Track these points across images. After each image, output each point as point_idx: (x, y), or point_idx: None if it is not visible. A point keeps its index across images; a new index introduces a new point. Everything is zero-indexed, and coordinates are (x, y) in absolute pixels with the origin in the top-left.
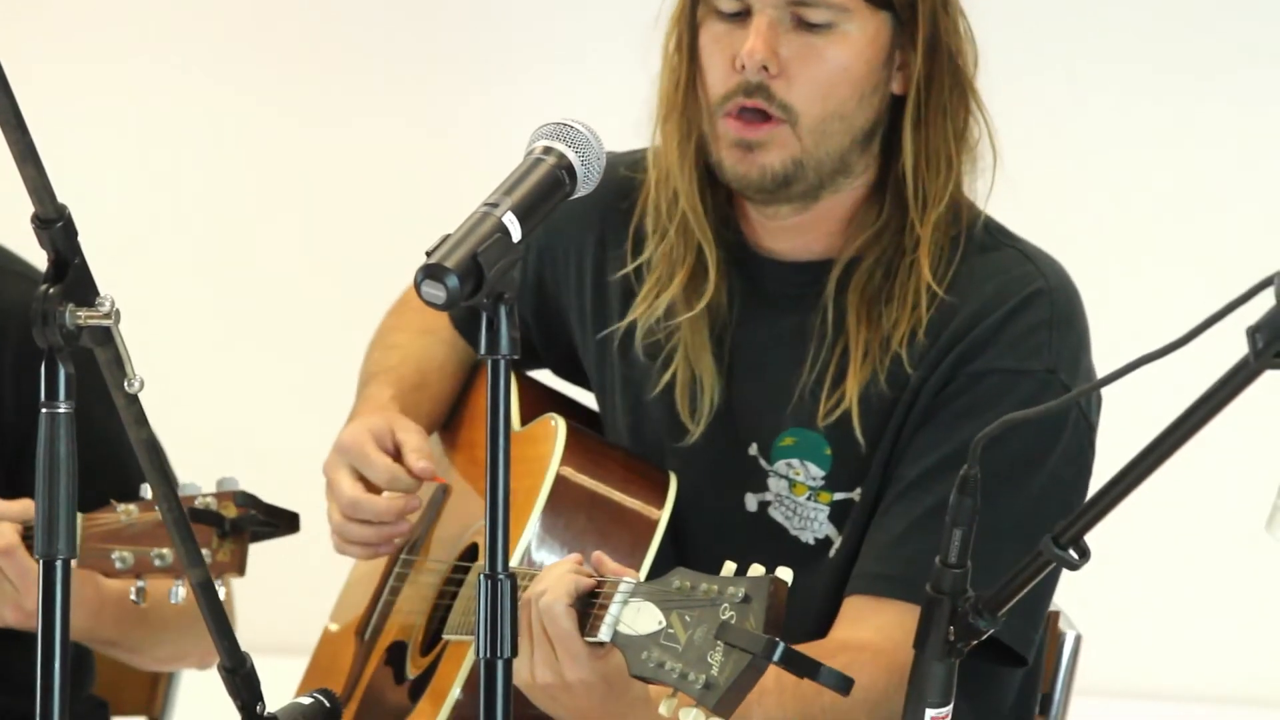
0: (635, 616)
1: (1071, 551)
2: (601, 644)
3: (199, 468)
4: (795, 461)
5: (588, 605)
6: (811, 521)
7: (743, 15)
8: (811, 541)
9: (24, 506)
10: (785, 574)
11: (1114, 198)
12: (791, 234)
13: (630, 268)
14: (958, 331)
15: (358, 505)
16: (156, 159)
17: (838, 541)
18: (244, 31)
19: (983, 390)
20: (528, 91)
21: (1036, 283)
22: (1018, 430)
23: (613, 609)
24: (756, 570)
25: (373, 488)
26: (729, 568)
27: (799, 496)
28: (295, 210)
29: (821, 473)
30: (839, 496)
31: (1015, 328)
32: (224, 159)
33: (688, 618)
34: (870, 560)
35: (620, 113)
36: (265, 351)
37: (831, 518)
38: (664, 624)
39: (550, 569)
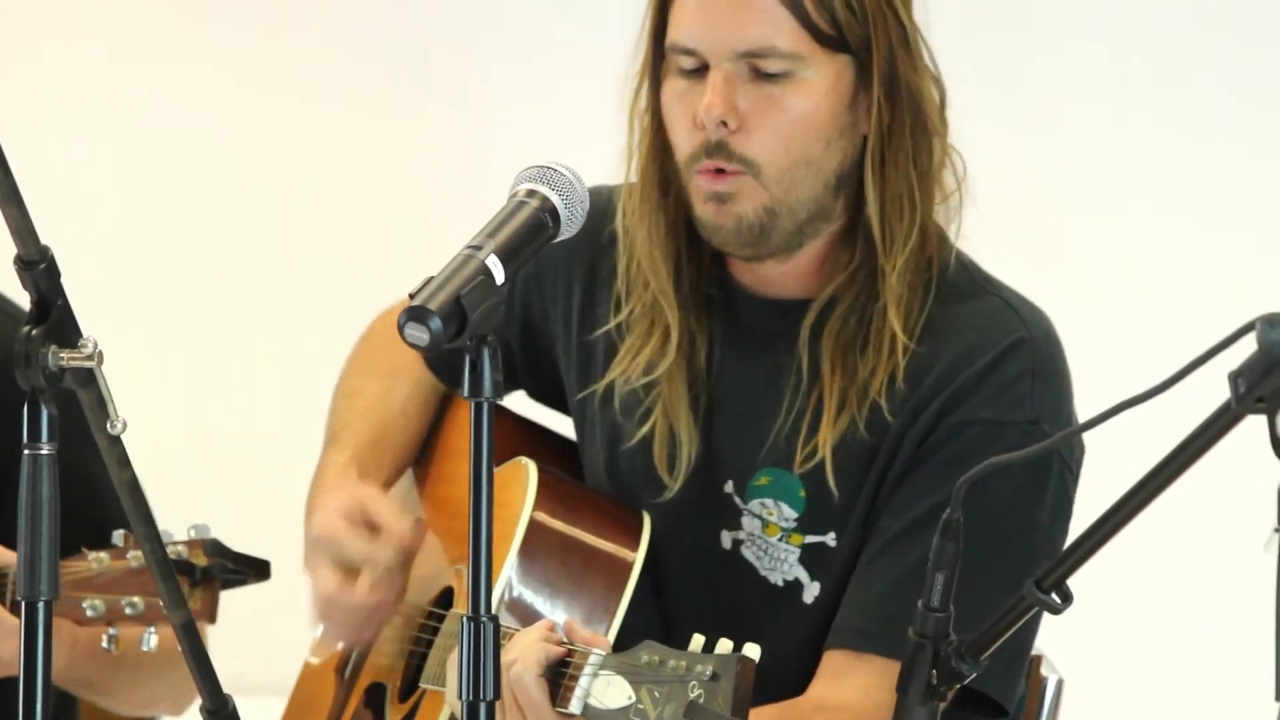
0: (605, 690)
1: (1054, 595)
2: (572, 716)
3: (178, 509)
4: (769, 501)
5: (558, 675)
6: (781, 563)
7: (701, 71)
8: (780, 583)
9: (3, 559)
10: (753, 651)
11: (1097, 236)
12: (772, 273)
13: (611, 325)
14: (940, 381)
15: (333, 602)
16: (138, 193)
17: (808, 585)
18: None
19: (965, 441)
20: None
21: (1018, 332)
22: (1000, 476)
23: (583, 681)
24: (724, 646)
25: (353, 575)
26: (697, 641)
27: (771, 537)
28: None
29: (794, 514)
30: (810, 539)
31: (998, 378)
32: (201, 197)
33: (657, 694)
34: (853, 614)
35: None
36: (247, 388)
37: (802, 560)
38: (634, 699)
39: (520, 636)
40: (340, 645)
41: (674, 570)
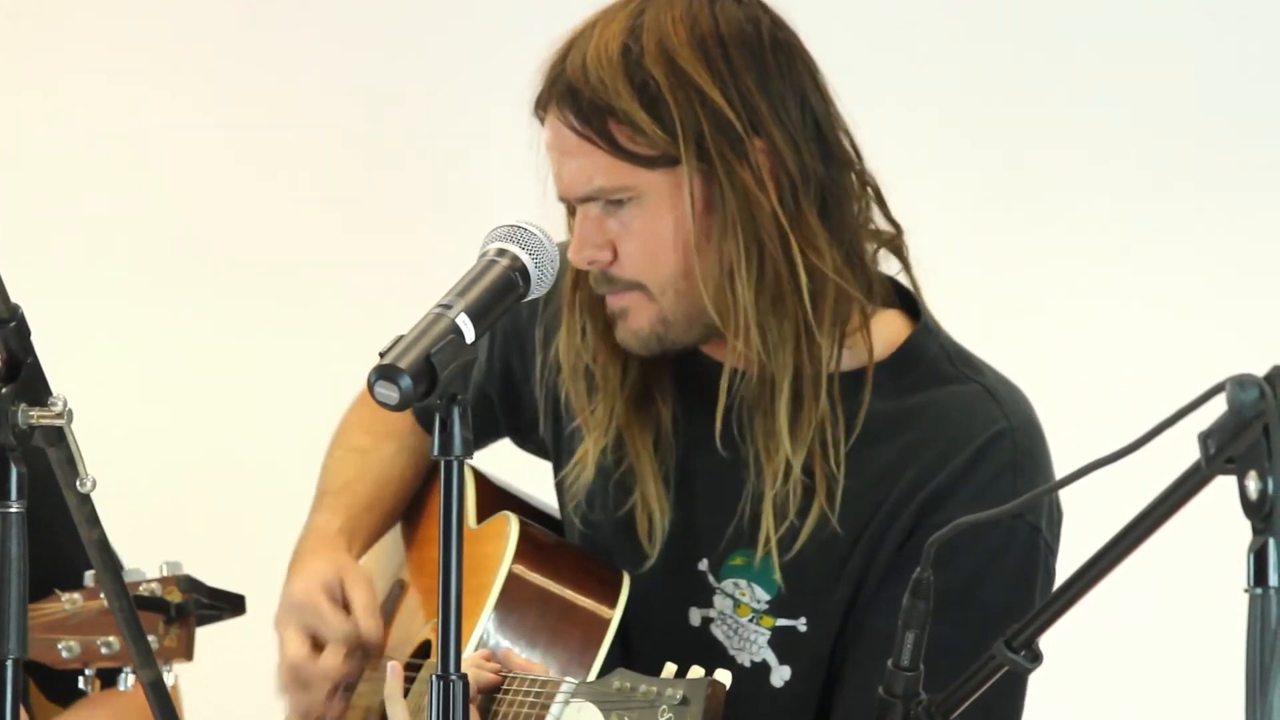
0: (576, 717)
1: (1024, 655)
2: None
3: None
4: (743, 582)
5: (490, 700)
6: (750, 644)
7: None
8: (748, 664)
9: None
10: (724, 676)
11: (1067, 288)
12: (722, 345)
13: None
14: (920, 477)
15: (300, 668)
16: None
17: (777, 668)
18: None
19: (949, 540)
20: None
21: (998, 423)
22: (967, 539)
23: (554, 709)
24: (696, 672)
25: (320, 645)
26: (669, 669)
27: (741, 617)
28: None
29: (767, 597)
30: (781, 622)
31: (979, 476)
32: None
33: (627, 718)
34: (847, 719)
35: None
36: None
37: (771, 643)
38: None
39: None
40: (300, 716)
41: (642, 642)
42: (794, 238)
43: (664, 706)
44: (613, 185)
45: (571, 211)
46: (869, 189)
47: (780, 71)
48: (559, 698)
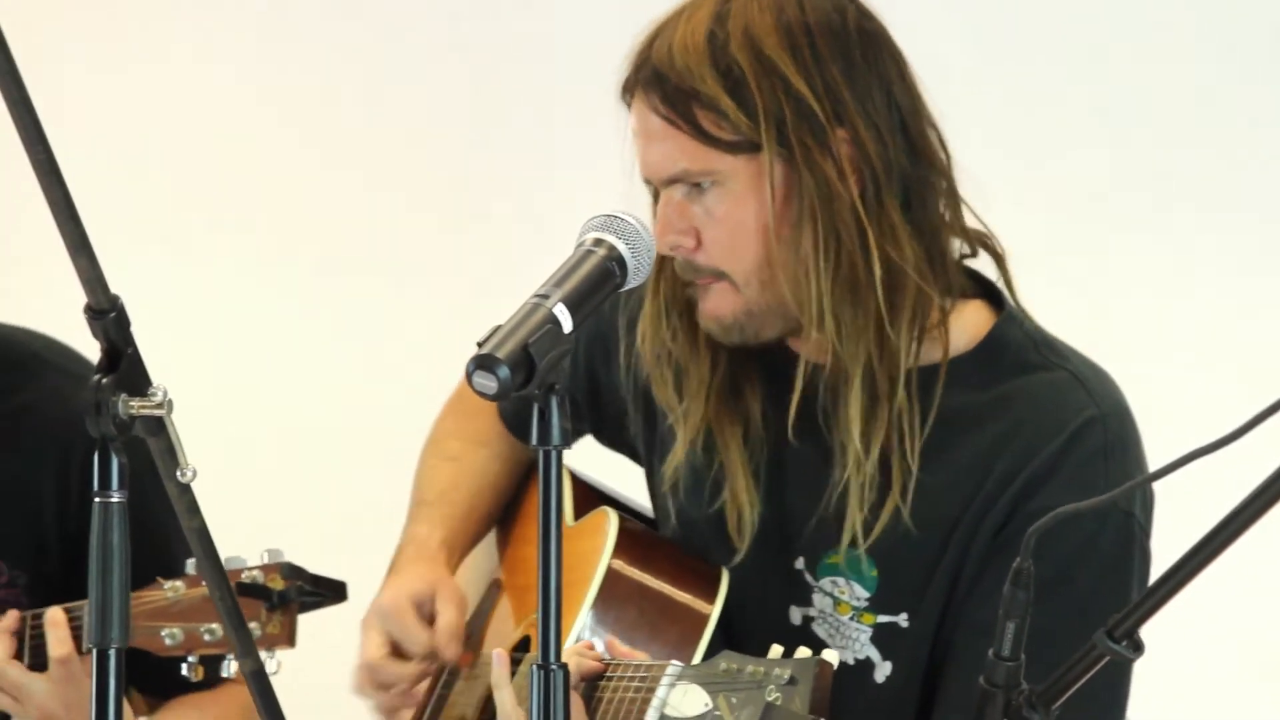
0: (682, 699)
1: (1125, 645)
2: None
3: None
4: (840, 580)
5: (593, 688)
6: (853, 642)
7: None
8: (851, 661)
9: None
10: (832, 656)
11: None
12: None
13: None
14: (1013, 466)
15: (376, 670)
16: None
17: (880, 665)
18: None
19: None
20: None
21: (1088, 410)
22: (1062, 527)
23: (660, 692)
24: (803, 653)
25: (401, 652)
26: (776, 650)
27: (842, 615)
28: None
29: (866, 594)
30: (883, 619)
31: (1071, 462)
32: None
33: (734, 699)
34: (951, 709)
35: None
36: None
37: (874, 640)
38: (710, 706)
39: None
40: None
41: (745, 641)
42: (872, 231)
43: (771, 686)
44: (696, 169)
45: (656, 197)
46: (954, 185)
47: (866, 62)
48: (664, 681)
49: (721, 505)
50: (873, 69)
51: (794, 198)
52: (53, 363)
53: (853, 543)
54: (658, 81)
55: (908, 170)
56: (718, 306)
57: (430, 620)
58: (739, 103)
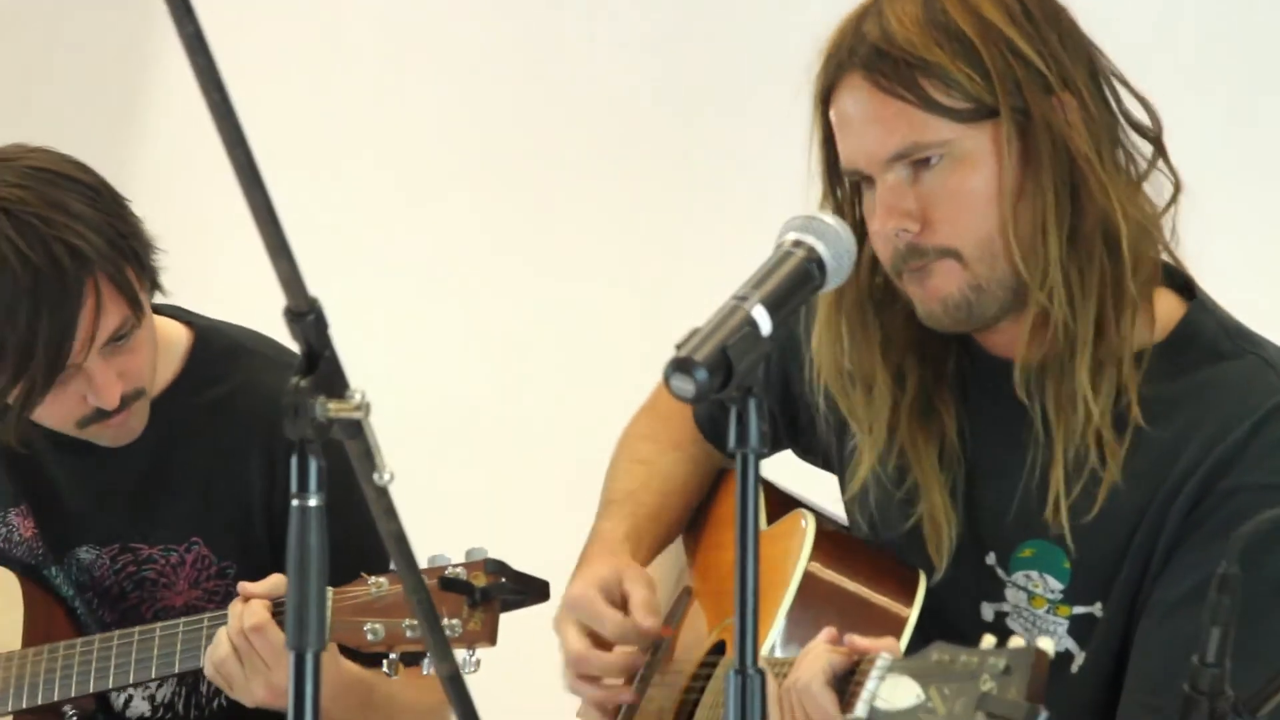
0: (893, 691)
1: None
2: None
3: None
4: (1034, 574)
5: (844, 684)
6: (1051, 635)
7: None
8: (1052, 654)
9: (274, 583)
10: (1046, 645)
11: None
12: (1004, 336)
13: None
14: (1202, 449)
15: (583, 661)
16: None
17: (1078, 656)
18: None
19: (1234, 508)
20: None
21: (1279, 394)
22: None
23: (869, 684)
24: (1017, 642)
25: (603, 643)
26: (988, 640)
27: (1038, 609)
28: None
29: (1060, 586)
30: (1079, 610)
31: (1262, 443)
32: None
33: (946, 690)
34: (1139, 691)
35: None
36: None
37: (1071, 631)
38: (922, 698)
39: (805, 651)
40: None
41: (936, 638)
42: (1111, 189)
43: (985, 676)
44: (927, 140)
45: (855, 191)
46: (1167, 156)
47: (1074, 32)
48: (874, 673)
49: (916, 521)
50: (1078, 36)
51: (1031, 159)
52: (257, 351)
53: (1058, 517)
54: (878, 58)
55: (1119, 137)
56: (943, 285)
57: (622, 605)
58: (971, 68)
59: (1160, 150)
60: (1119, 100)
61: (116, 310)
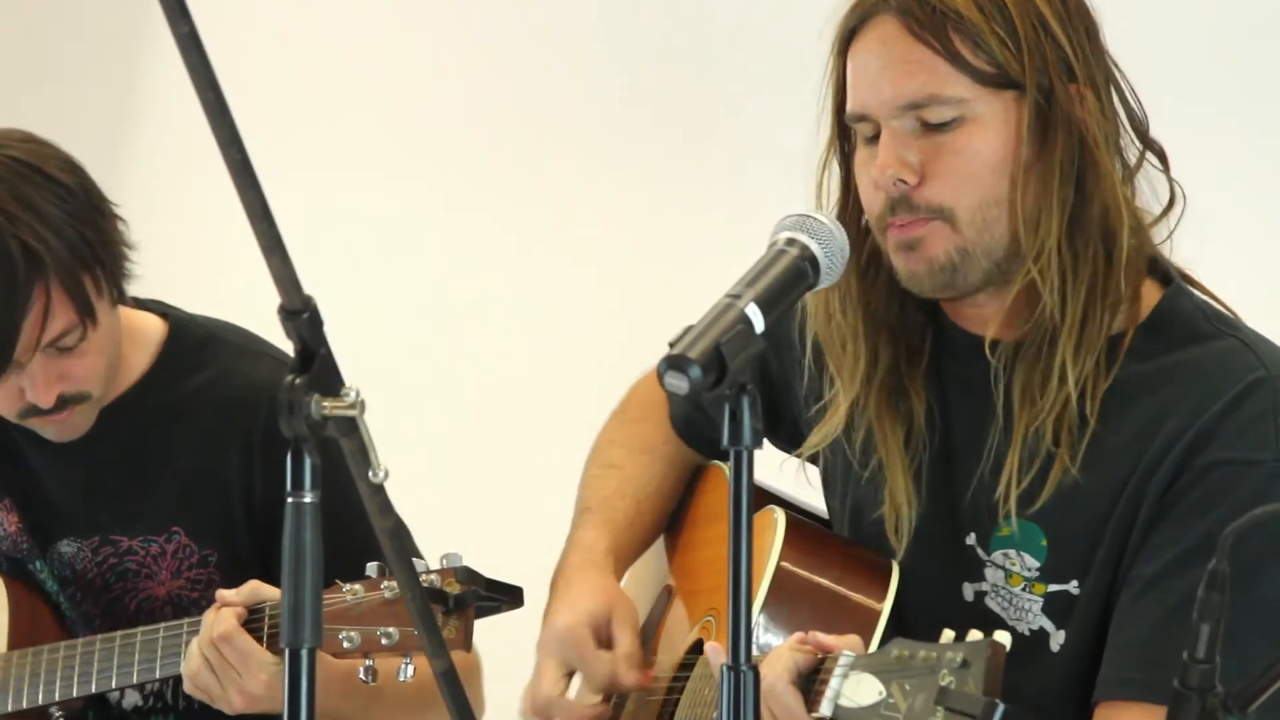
0: (856, 689)
1: None
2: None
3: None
4: (1012, 552)
5: (809, 682)
6: (1026, 613)
7: (879, 137)
8: (1027, 632)
9: (250, 590)
10: (1003, 638)
11: None
12: (983, 311)
13: (827, 398)
14: (1180, 426)
15: (552, 706)
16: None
17: (1054, 634)
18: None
19: (1211, 483)
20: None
21: (1256, 371)
22: (1263, 522)
23: (833, 683)
24: (974, 635)
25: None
26: (947, 635)
27: (1014, 587)
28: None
29: (1037, 564)
30: (1054, 588)
31: (1238, 418)
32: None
33: (907, 686)
34: (1115, 665)
35: None
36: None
37: (1045, 609)
38: (884, 694)
39: (770, 651)
40: None
41: (917, 621)
42: (1116, 186)
43: (944, 670)
44: (950, 95)
45: (843, 140)
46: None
47: (1098, 38)
48: (837, 671)
49: (882, 505)
50: (1101, 44)
51: (1046, 138)
52: (232, 342)
53: (1022, 504)
54: (916, 3)
55: (1120, 146)
56: (932, 246)
57: (608, 644)
58: (1005, 34)
59: (1165, 167)
60: (1129, 111)
61: (64, 316)
